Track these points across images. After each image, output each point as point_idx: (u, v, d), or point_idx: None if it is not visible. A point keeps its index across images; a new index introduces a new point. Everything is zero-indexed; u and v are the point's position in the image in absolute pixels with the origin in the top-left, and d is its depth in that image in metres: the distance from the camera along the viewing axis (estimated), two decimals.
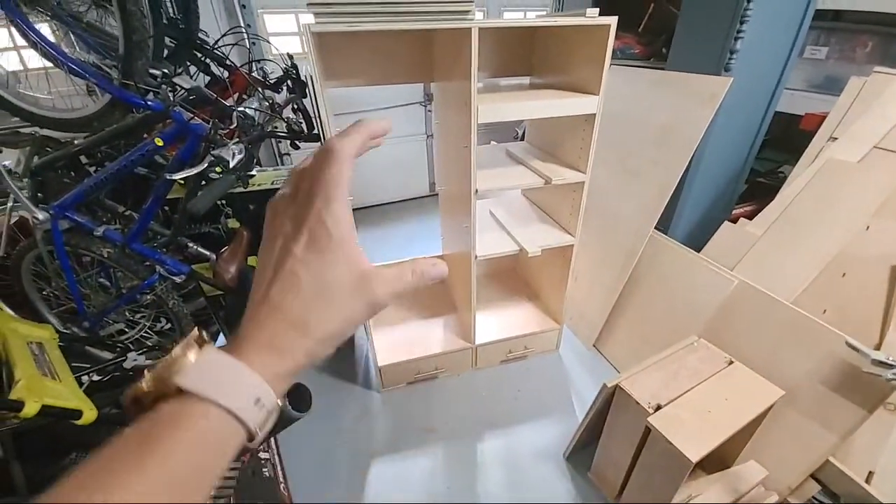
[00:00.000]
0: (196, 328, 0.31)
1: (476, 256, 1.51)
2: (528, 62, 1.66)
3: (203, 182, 1.42)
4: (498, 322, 1.90)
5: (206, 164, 1.25)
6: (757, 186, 2.15)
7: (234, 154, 1.26)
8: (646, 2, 1.98)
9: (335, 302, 0.30)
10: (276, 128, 1.59)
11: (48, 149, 1.52)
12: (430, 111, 3.24)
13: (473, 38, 1.08)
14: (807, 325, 1.23)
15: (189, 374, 0.26)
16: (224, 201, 1.78)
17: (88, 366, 1.26)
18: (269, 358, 0.28)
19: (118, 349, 1.66)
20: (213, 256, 1.66)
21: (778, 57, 1.65)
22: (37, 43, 1.41)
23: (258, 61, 2.08)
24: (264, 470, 1.22)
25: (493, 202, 1.90)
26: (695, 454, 1.00)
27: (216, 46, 2.01)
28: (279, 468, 1.29)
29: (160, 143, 1.34)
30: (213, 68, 2.08)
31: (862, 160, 1.48)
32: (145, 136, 1.52)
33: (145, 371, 0.28)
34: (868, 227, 1.37)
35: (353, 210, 0.34)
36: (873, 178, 1.40)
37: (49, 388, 1.00)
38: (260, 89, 1.91)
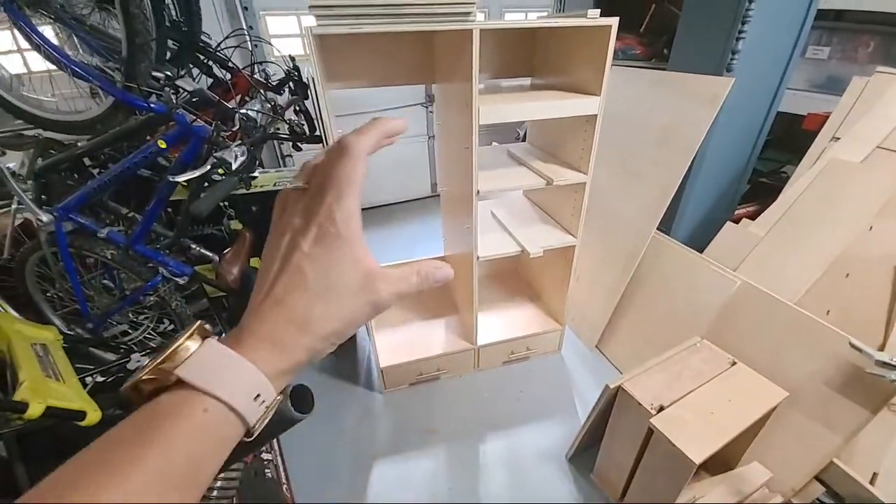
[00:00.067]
0: (199, 320, 0.31)
1: (478, 257, 1.51)
2: (529, 63, 1.66)
3: (206, 184, 1.42)
4: (500, 323, 1.90)
5: (208, 166, 1.25)
6: (759, 187, 2.14)
7: (236, 156, 1.26)
8: (647, 2, 1.98)
9: (339, 300, 0.29)
10: (278, 129, 1.59)
11: (52, 151, 1.53)
12: (431, 112, 3.25)
13: (475, 39, 1.09)
14: (810, 325, 1.23)
15: (190, 366, 0.26)
16: (227, 203, 1.78)
17: (92, 367, 1.26)
18: (269, 353, 0.28)
19: (122, 350, 1.66)
20: (216, 258, 1.66)
21: (780, 57, 1.64)
22: (40, 46, 1.42)
23: (260, 63, 2.09)
24: (267, 471, 1.22)
25: (494, 203, 1.90)
26: (698, 456, 0.99)
27: (218, 49, 2.02)
28: (282, 469, 1.30)
29: (163, 146, 1.34)
30: (216, 70, 2.08)
31: (865, 160, 1.47)
32: (148, 138, 1.52)
33: (144, 362, 0.28)
34: (871, 228, 1.36)
35: None
36: (876, 178, 1.40)
37: (53, 389, 1.01)
38: (262, 91, 1.91)
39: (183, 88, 1.33)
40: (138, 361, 1.26)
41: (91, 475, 0.22)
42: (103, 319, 1.67)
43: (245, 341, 0.28)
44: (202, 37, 2.01)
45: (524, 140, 1.92)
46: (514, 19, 3.49)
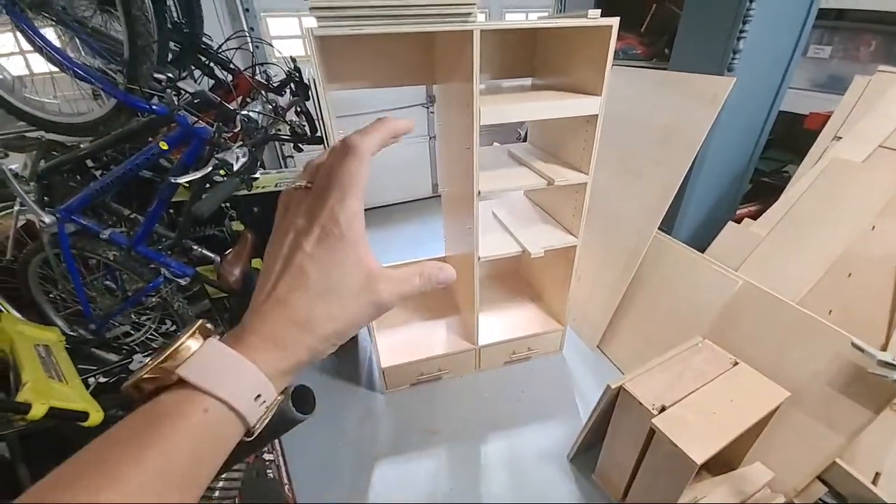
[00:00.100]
0: (201, 320, 0.31)
1: (479, 257, 1.51)
2: (529, 63, 1.66)
3: (207, 185, 1.43)
4: (501, 323, 1.90)
5: (210, 168, 1.25)
6: (761, 186, 2.14)
7: (237, 157, 1.26)
8: (648, 2, 1.98)
9: (341, 301, 0.29)
10: (279, 131, 1.60)
11: (54, 153, 1.53)
12: (432, 113, 3.25)
13: (475, 40, 1.09)
14: (812, 325, 1.23)
15: (191, 366, 0.26)
16: (228, 204, 1.79)
17: (95, 368, 1.27)
18: (271, 353, 0.28)
19: (124, 351, 1.67)
20: (218, 259, 1.67)
21: (781, 56, 1.64)
22: (42, 48, 1.43)
23: (261, 65, 2.10)
24: (269, 471, 1.22)
25: (495, 203, 1.90)
26: (700, 456, 0.99)
27: (220, 50, 2.02)
28: (283, 469, 1.30)
29: (165, 147, 1.35)
30: (217, 72, 2.09)
31: (867, 159, 1.47)
32: (150, 139, 1.53)
33: (147, 359, 0.28)
34: (873, 227, 1.36)
35: None
36: (878, 178, 1.40)
37: (56, 390, 1.01)
38: (263, 92, 1.92)
39: (184, 90, 1.34)
40: (140, 362, 1.26)
41: (90, 475, 0.22)
42: (105, 320, 1.68)
43: (246, 340, 0.28)
44: (204, 38, 2.02)
45: (525, 140, 1.92)
46: (514, 20, 3.49)
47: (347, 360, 1.98)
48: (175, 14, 1.88)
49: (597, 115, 1.32)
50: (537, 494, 1.42)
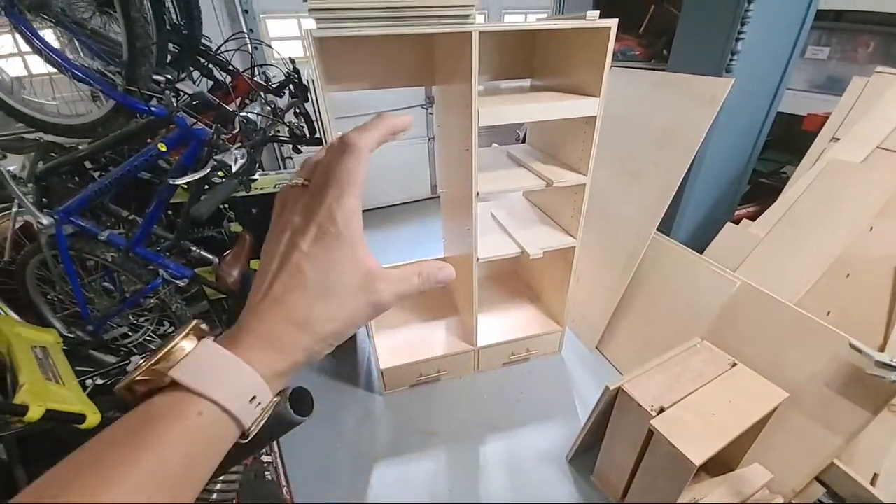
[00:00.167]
0: (195, 320, 0.30)
1: (478, 259, 1.51)
2: (528, 65, 1.67)
3: (206, 186, 1.43)
4: (500, 324, 1.90)
5: (208, 169, 1.25)
6: (759, 187, 2.14)
7: (236, 158, 1.26)
8: (646, 4, 1.98)
9: (339, 300, 0.29)
10: (278, 132, 1.59)
11: (53, 154, 1.53)
12: (431, 114, 3.25)
13: (474, 41, 1.09)
14: (810, 326, 1.23)
15: (184, 368, 0.26)
16: (227, 205, 1.79)
17: (92, 369, 1.26)
18: (267, 355, 0.27)
19: (122, 353, 1.66)
20: (216, 260, 1.66)
21: (779, 57, 1.64)
22: (41, 49, 1.43)
23: (260, 66, 2.10)
24: (267, 473, 1.22)
25: (494, 204, 1.90)
26: (698, 457, 0.99)
27: (219, 52, 2.03)
28: (281, 471, 1.30)
29: (163, 148, 1.35)
30: (216, 73, 2.09)
31: (865, 161, 1.47)
32: (149, 141, 1.53)
33: (140, 361, 0.27)
34: (871, 228, 1.36)
35: None
36: (876, 179, 1.40)
37: (53, 392, 1.01)
38: (262, 94, 1.92)
39: (183, 91, 1.34)
40: (138, 363, 1.26)
41: (85, 476, 0.22)
42: (103, 322, 1.67)
43: (243, 341, 0.28)
44: (202, 40, 2.02)
45: (524, 141, 1.92)
46: (513, 21, 3.49)
47: (346, 361, 1.97)
48: (174, 16, 1.88)
49: (595, 117, 1.32)
50: (536, 495, 1.42)
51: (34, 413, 0.88)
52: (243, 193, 1.43)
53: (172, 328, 1.81)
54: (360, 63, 1.47)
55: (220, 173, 1.26)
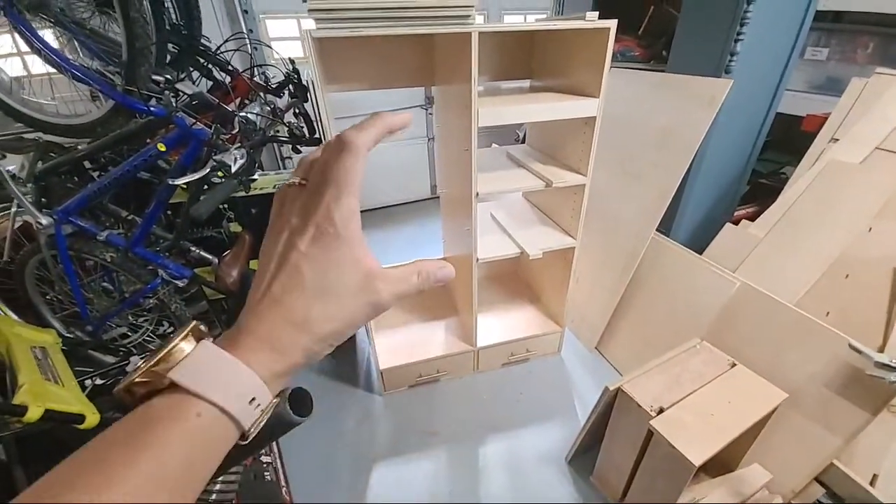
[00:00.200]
0: (194, 321, 0.30)
1: (477, 259, 1.51)
2: (528, 65, 1.67)
3: (205, 187, 1.42)
4: (499, 325, 1.90)
5: (208, 169, 1.25)
6: (759, 188, 2.14)
7: (236, 159, 1.26)
8: (646, 4, 1.98)
9: (338, 301, 0.29)
10: (277, 132, 1.59)
11: (52, 154, 1.53)
12: (431, 114, 3.25)
13: (473, 42, 1.09)
14: (810, 327, 1.23)
15: (183, 369, 0.26)
16: (226, 205, 1.78)
17: (91, 370, 1.26)
18: (266, 355, 0.27)
19: (121, 353, 1.66)
20: (216, 260, 1.66)
21: (778, 58, 1.65)
22: (40, 49, 1.42)
23: (260, 66, 2.10)
24: (266, 473, 1.22)
25: (494, 205, 1.90)
26: (698, 458, 0.99)
27: (218, 52, 2.02)
28: (281, 472, 1.29)
29: (163, 149, 1.34)
30: (216, 73, 2.09)
31: (864, 161, 1.47)
32: (148, 141, 1.53)
33: (139, 363, 0.27)
34: (870, 229, 1.36)
35: None
36: (875, 180, 1.40)
37: (52, 392, 1.01)
38: (262, 94, 1.92)
39: (183, 92, 1.33)
40: (137, 364, 1.25)
41: (85, 476, 0.22)
42: (102, 322, 1.67)
43: (242, 342, 0.27)
44: (202, 40, 2.02)
45: (524, 142, 1.92)
46: (512, 22, 3.50)
47: (345, 361, 1.97)
48: (173, 16, 1.88)
49: (595, 117, 1.32)
50: (536, 496, 1.42)
51: (33, 413, 0.88)
52: (243, 193, 1.43)
53: (172, 328, 1.81)
54: (359, 63, 1.47)
55: (220, 173, 1.26)
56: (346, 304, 0.29)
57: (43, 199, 1.47)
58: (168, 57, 1.89)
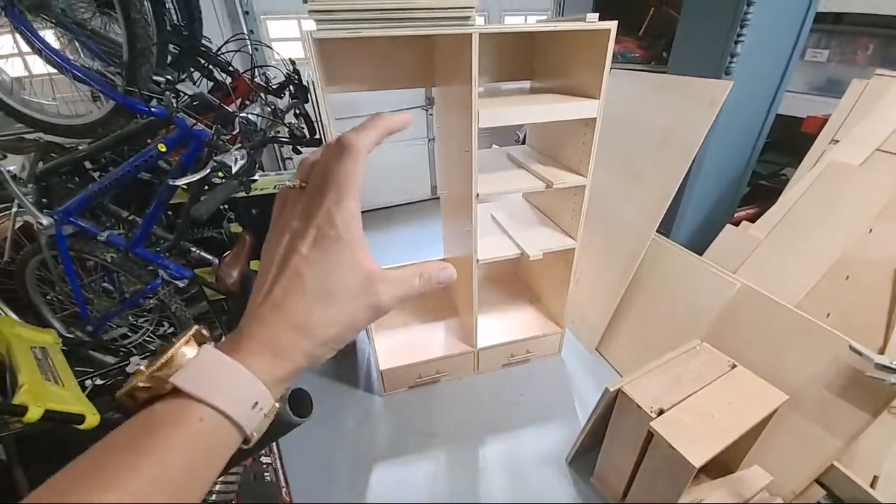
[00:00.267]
0: (196, 325, 0.30)
1: (477, 260, 1.51)
2: (528, 66, 1.67)
3: (206, 187, 1.43)
4: (500, 326, 1.90)
5: (208, 170, 1.25)
6: (759, 189, 2.14)
7: (236, 159, 1.26)
8: (646, 6, 1.99)
9: (339, 304, 0.29)
10: (278, 133, 1.60)
11: (53, 154, 1.53)
12: (431, 115, 3.25)
13: (474, 43, 1.09)
14: (810, 328, 1.23)
15: (186, 374, 0.26)
16: (227, 206, 1.78)
17: (91, 370, 1.26)
18: (268, 360, 0.27)
19: (121, 353, 1.66)
20: (216, 261, 1.66)
21: (779, 60, 1.65)
22: (41, 50, 1.43)
23: (261, 67, 2.10)
24: (266, 474, 1.22)
25: (494, 206, 1.90)
26: (698, 459, 0.99)
27: (219, 53, 2.03)
28: (281, 472, 1.29)
29: (163, 149, 1.35)
30: (216, 74, 2.09)
31: (864, 163, 1.47)
32: (149, 141, 1.53)
33: (142, 366, 0.27)
34: (871, 230, 1.36)
35: None
36: (876, 181, 1.40)
37: (52, 392, 1.00)
38: (262, 95, 1.92)
39: (183, 92, 1.34)
40: (137, 364, 1.25)
41: (87, 481, 0.22)
42: (103, 322, 1.67)
43: (244, 346, 0.27)
44: (203, 41, 2.02)
45: (524, 143, 1.93)
46: (513, 23, 3.50)
47: (345, 362, 1.97)
48: (174, 16, 1.88)
49: (595, 118, 1.32)
50: (536, 497, 1.42)
51: (33, 413, 0.88)
52: (243, 194, 1.43)
53: (172, 329, 1.81)
54: (360, 64, 1.47)
55: (220, 174, 1.26)
56: (346, 307, 0.29)
57: (44, 200, 1.47)
58: (169, 58, 1.90)
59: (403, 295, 0.31)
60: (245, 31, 2.66)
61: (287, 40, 2.94)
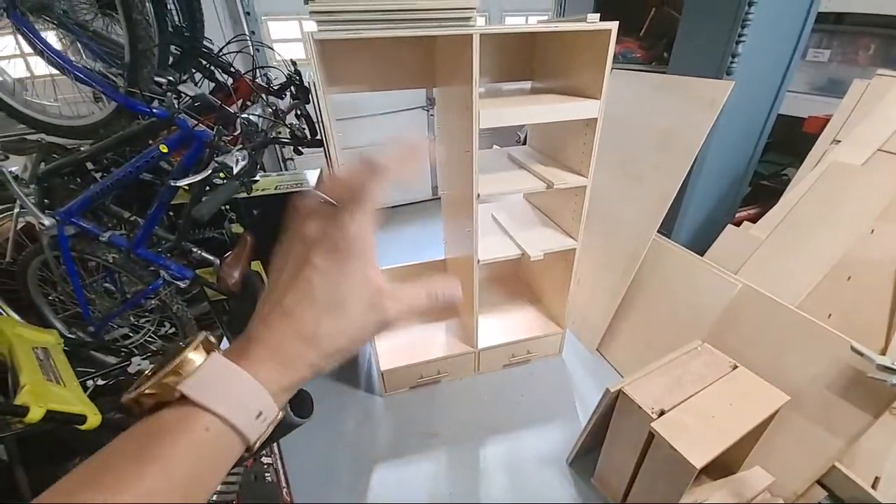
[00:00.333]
0: (204, 333, 0.31)
1: (478, 260, 1.51)
2: (529, 67, 1.67)
3: (207, 188, 1.43)
4: (500, 326, 1.90)
5: (210, 171, 1.25)
6: (760, 189, 2.14)
7: (237, 160, 1.26)
8: (647, 6, 1.99)
9: (347, 317, 0.29)
10: (279, 134, 1.60)
11: (54, 155, 1.54)
12: (432, 116, 3.26)
13: (475, 44, 1.09)
14: (811, 329, 1.23)
15: (193, 383, 0.26)
16: (228, 207, 1.79)
17: (93, 370, 1.26)
18: (274, 369, 0.28)
19: (123, 354, 1.66)
20: (217, 261, 1.66)
21: (780, 60, 1.64)
22: (43, 51, 1.43)
23: (262, 68, 2.10)
24: (267, 474, 1.22)
25: (495, 206, 1.90)
26: (699, 460, 0.99)
27: (220, 54, 2.03)
28: (281, 473, 1.29)
29: (165, 150, 1.35)
30: (218, 75, 2.09)
31: (866, 163, 1.47)
32: (150, 142, 1.53)
33: (148, 372, 0.27)
34: (872, 231, 1.36)
35: None
36: (877, 181, 1.40)
37: (54, 393, 1.01)
38: (263, 96, 1.92)
39: (185, 93, 1.34)
40: (139, 365, 1.26)
41: (92, 488, 0.22)
42: (104, 323, 1.67)
43: (252, 352, 0.28)
44: (204, 42, 2.02)
45: (525, 143, 1.93)
46: (514, 23, 3.50)
47: (346, 363, 1.97)
48: (176, 18, 1.89)
49: (596, 119, 1.32)
50: (536, 498, 1.42)
51: (35, 414, 0.88)
52: (244, 195, 1.43)
53: (173, 329, 1.82)
54: (361, 65, 1.47)
55: (222, 175, 1.26)
56: (355, 320, 0.30)
57: (45, 201, 1.48)
58: (170, 59, 1.90)
59: (409, 311, 0.32)
60: (246, 32, 2.67)
61: (288, 41, 2.95)
